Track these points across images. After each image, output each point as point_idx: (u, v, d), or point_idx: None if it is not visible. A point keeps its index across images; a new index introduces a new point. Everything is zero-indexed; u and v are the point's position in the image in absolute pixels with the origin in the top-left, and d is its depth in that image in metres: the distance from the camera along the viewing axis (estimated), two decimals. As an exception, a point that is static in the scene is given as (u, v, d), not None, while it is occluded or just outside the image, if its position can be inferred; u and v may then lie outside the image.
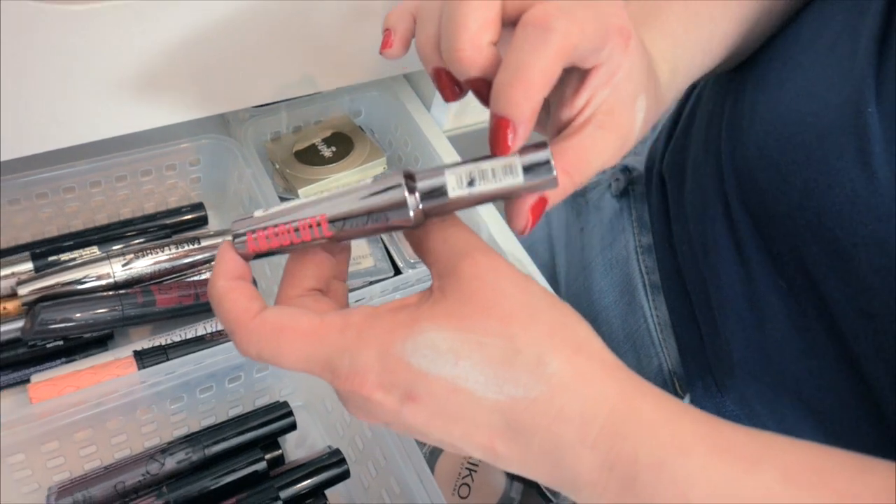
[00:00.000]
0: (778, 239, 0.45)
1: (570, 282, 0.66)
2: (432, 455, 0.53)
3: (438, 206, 0.30)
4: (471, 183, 0.30)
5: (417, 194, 0.30)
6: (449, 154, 0.63)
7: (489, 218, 0.60)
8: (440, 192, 0.30)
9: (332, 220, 0.31)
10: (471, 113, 0.71)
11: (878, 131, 0.39)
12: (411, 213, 0.30)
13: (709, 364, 0.53)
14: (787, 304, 0.46)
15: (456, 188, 0.30)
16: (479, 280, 0.30)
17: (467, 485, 0.52)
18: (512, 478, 0.51)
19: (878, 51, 0.41)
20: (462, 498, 0.52)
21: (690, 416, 0.29)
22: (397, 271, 0.59)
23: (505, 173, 0.30)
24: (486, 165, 0.30)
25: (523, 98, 0.29)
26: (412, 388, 0.29)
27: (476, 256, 0.30)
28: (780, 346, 0.47)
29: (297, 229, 0.31)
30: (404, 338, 0.29)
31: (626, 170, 0.62)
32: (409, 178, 0.30)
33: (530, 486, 0.51)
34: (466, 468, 0.52)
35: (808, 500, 0.27)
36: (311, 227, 0.31)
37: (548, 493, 0.50)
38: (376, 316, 0.30)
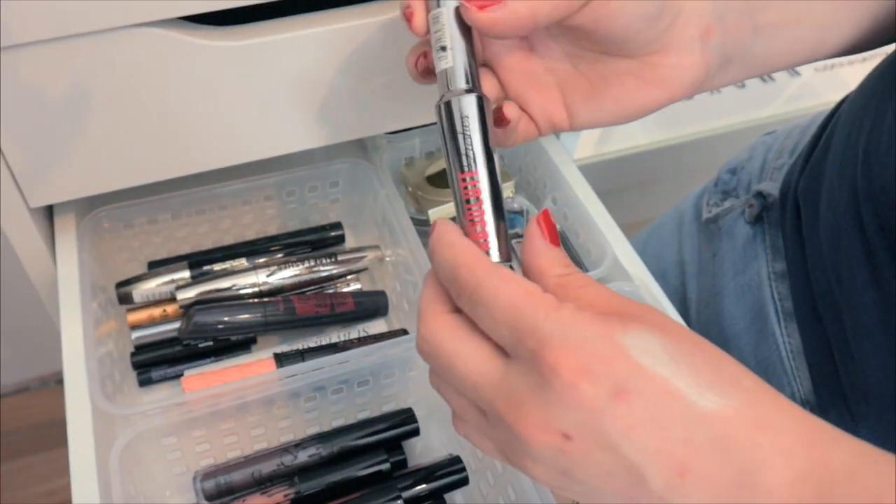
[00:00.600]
0: None
1: (700, 308, 0.65)
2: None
3: None
4: None
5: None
6: (576, 180, 0.64)
7: (615, 241, 0.61)
8: None
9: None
10: (607, 142, 0.72)
11: None
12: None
13: (843, 391, 0.51)
14: None
15: None
16: (658, 319, 0.30)
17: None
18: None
19: None
20: (579, 513, 0.52)
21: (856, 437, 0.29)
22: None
23: None
24: None
25: None
26: (626, 382, 0.27)
27: (646, 307, 0.31)
28: None
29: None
30: (623, 330, 0.28)
31: (760, 195, 0.61)
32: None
33: None
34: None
35: None
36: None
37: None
38: (583, 310, 0.29)
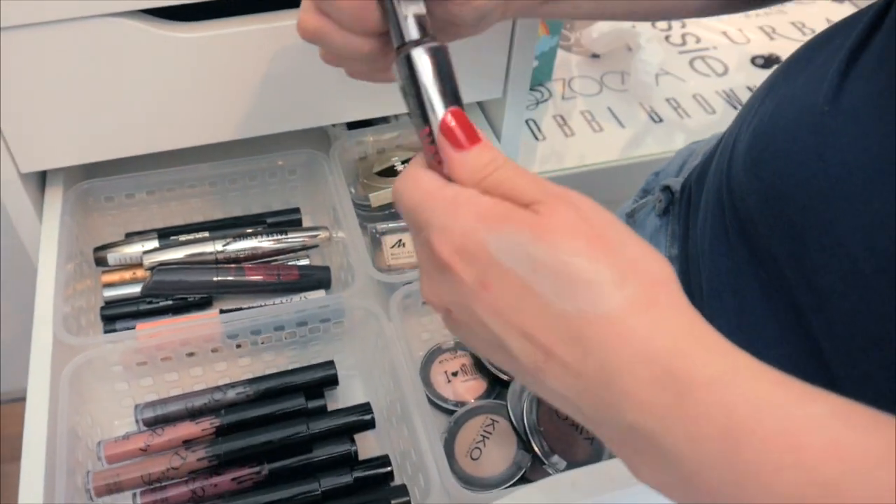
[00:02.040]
0: (752, 231, 0.50)
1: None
2: (456, 424, 0.60)
3: None
4: None
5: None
6: None
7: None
8: None
9: None
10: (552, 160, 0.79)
11: (836, 126, 0.44)
12: None
13: None
14: (765, 292, 0.50)
15: None
16: (573, 205, 0.32)
17: (479, 448, 0.58)
18: (521, 447, 0.57)
19: (850, 56, 0.45)
20: (473, 460, 0.58)
21: (748, 355, 0.29)
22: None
23: None
24: None
25: None
26: (486, 273, 0.31)
27: (570, 192, 0.33)
28: (758, 331, 0.50)
29: None
30: (491, 228, 0.31)
31: (667, 189, 0.68)
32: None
33: (535, 458, 0.57)
34: (481, 434, 0.59)
35: (855, 439, 0.26)
36: None
37: (545, 461, 0.56)
38: (479, 199, 0.33)
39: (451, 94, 0.36)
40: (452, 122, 0.35)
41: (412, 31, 0.37)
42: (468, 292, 0.32)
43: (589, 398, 0.30)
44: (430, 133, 0.35)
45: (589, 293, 0.30)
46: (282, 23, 0.60)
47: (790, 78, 0.51)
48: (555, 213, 0.31)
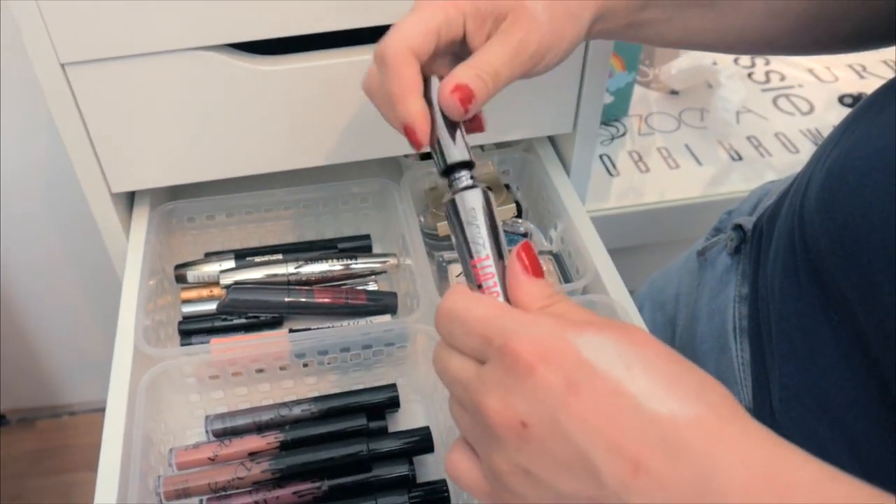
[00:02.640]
0: (824, 272, 0.49)
1: (681, 332, 0.71)
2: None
3: None
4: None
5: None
6: (585, 227, 0.71)
7: (599, 261, 0.68)
8: None
9: None
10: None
11: None
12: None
13: (771, 399, 0.55)
14: (836, 334, 0.49)
15: None
16: (645, 331, 0.32)
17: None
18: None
19: None
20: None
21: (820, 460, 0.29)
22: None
23: None
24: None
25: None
26: (576, 377, 0.30)
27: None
28: (828, 374, 0.49)
29: None
30: (578, 332, 0.31)
31: (738, 228, 0.67)
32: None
33: None
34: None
35: None
36: None
37: None
38: (547, 314, 0.33)
39: (497, 232, 0.40)
40: (525, 253, 0.37)
41: (464, 178, 0.41)
42: (554, 398, 0.30)
43: None
44: (486, 262, 0.38)
45: (680, 396, 0.29)
46: (357, 58, 0.63)
47: (868, 117, 0.50)
48: (635, 330, 0.32)
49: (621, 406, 0.29)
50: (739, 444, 0.28)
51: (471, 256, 0.39)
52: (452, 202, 0.40)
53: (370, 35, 0.63)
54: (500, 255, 0.39)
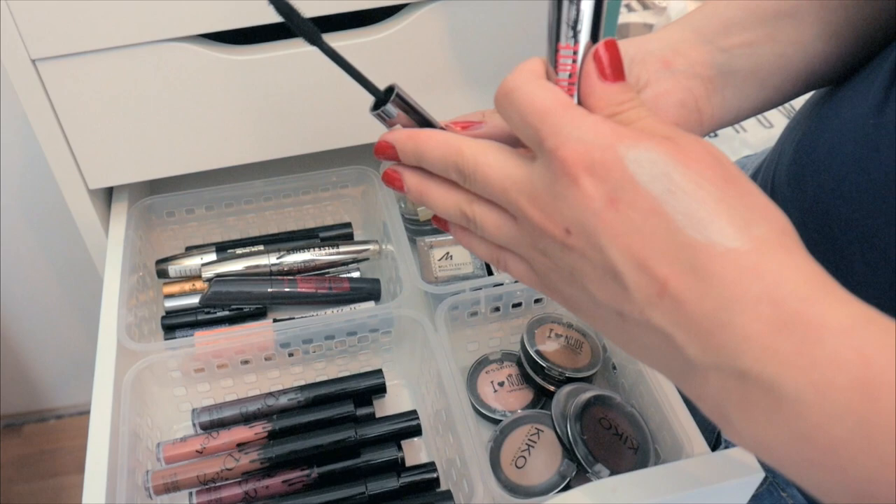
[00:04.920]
0: None
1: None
2: (501, 433, 0.60)
3: None
4: None
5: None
6: None
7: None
8: None
9: None
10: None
11: (881, 138, 0.43)
12: None
13: None
14: None
15: None
16: (708, 146, 0.31)
17: (524, 457, 0.59)
18: (565, 456, 0.57)
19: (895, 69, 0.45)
20: (518, 468, 0.58)
21: (878, 310, 0.28)
22: (490, 274, 0.69)
23: None
24: None
25: None
26: (618, 191, 0.29)
27: (702, 139, 0.32)
28: None
29: None
30: (630, 145, 0.30)
31: None
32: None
33: (579, 467, 0.57)
34: (526, 444, 0.59)
35: None
36: None
37: (588, 470, 0.56)
38: (607, 121, 0.32)
39: (599, 22, 0.35)
40: (605, 53, 0.34)
41: None
42: (594, 209, 0.30)
43: (699, 339, 0.29)
44: (574, 52, 0.34)
45: (721, 225, 0.28)
46: (332, 44, 0.62)
47: (836, 91, 0.50)
48: (694, 146, 0.30)
49: (656, 226, 0.29)
50: (773, 281, 0.27)
51: (558, 40, 0.35)
52: None
53: (344, 21, 0.63)
54: (595, 41, 0.35)
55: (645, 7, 1.31)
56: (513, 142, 0.38)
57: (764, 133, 1.06)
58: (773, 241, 0.29)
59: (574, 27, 0.34)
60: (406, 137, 0.41)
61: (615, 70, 0.34)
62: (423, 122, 0.41)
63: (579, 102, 0.35)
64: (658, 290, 0.29)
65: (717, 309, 0.28)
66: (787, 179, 0.51)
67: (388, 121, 0.42)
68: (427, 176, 0.41)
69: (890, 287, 0.42)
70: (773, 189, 0.53)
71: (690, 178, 0.29)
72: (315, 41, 0.39)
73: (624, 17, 1.26)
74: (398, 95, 0.40)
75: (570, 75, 0.35)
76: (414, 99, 0.41)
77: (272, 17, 0.38)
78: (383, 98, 0.41)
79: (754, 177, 0.62)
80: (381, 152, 0.42)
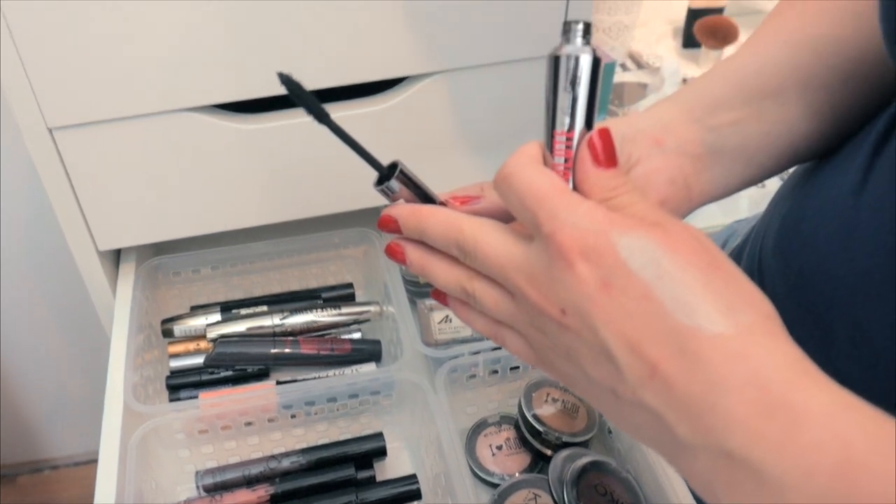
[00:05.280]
0: (784, 318, 0.51)
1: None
2: (499, 497, 0.61)
3: None
4: None
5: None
6: None
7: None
8: None
9: None
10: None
11: (861, 219, 0.44)
12: None
13: None
14: None
15: None
16: (694, 232, 0.32)
17: (524, 519, 0.59)
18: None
19: (874, 149, 0.46)
20: (517, 531, 0.59)
21: (857, 396, 0.29)
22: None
23: None
24: None
25: None
26: (611, 276, 0.31)
27: (689, 224, 0.33)
28: None
29: None
30: (622, 232, 0.31)
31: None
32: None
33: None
34: (531, 500, 0.60)
35: None
36: None
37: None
38: (600, 207, 0.33)
39: (593, 109, 0.37)
40: (599, 140, 0.36)
41: (579, 34, 0.36)
42: (588, 293, 0.31)
43: (688, 420, 0.30)
44: (568, 139, 0.36)
45: (708, 310, 0.30)
46: (336, 114, 0.65)
47: (820, 166, 0.52)
48: (682, 233, 0.32)
49: (648, 311, 0.30)
50: (758, 365, 0.29)
51: (553, 126, 0.37)
52: (555, 59, 0.36)
53: (348, 91, 0.65)
54: (589, 128, 0.36)
55: (639, 67, 1.35)
56: (509, 216, 0.40)
57: (758, 193, 1.08)
58: (758, 327, 0.30)
59: (569, 115, 0.36)
60: (409, 213, 0.42)
61: (608, 156, 0.36)
62: (425, 196, 0.43)
63: (574, 187, 0.36)
64: (649, 372, 0.30)
65: (705, 392, 0.29)
66: (773, 252, 0.53)
67: (391, 195, 0.44)
68: (429, 251, 0.42)
69: (872, 364, 0.43)
70: (760, 260, 0.54)
71: (678, 265, 0.31)
72: (323, 120, 0.41)
73: (619, 77, 1.30)
74: (402, 172, 0.42)
75: (566, 160, 0.37)
76: (415, 174, 0.43)
77: (279, 88, 0.39)
78: (387, 174, 0.43)
79: (744, 244, 0.64)
80: (385, 226, 0.44)
